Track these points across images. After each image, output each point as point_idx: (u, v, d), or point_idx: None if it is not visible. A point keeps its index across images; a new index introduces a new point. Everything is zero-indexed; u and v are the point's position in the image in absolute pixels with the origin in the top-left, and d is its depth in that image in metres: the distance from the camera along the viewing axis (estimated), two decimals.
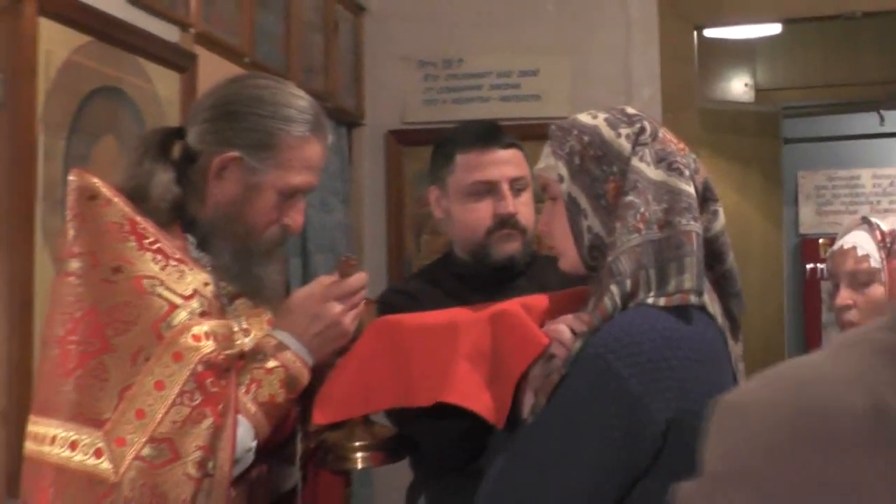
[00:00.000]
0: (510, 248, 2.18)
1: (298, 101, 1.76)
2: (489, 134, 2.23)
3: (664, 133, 1.65)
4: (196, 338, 1.57)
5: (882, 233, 2.18)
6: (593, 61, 4.13)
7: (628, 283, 1.55)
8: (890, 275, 2.13)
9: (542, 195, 1.73)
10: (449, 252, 2.29)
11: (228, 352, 1.61)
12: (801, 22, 4.51)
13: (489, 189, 2.18)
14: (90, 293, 1.57)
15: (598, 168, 1.61)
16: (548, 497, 1.49)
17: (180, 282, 1.60)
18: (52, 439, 1.54)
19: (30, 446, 1.59)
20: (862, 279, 2.17)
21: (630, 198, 1.58)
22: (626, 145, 1.61)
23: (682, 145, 1.67)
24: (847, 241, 2.22)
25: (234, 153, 1.70)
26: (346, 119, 4.17)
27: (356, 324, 1.74)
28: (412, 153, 4.20)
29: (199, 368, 1.55)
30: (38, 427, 1.57)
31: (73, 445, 1.52)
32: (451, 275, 2.24)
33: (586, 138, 1.63)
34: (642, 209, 1.57)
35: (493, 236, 2.18)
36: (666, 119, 4.00)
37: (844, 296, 2.21)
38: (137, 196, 1.67)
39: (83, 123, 2.38)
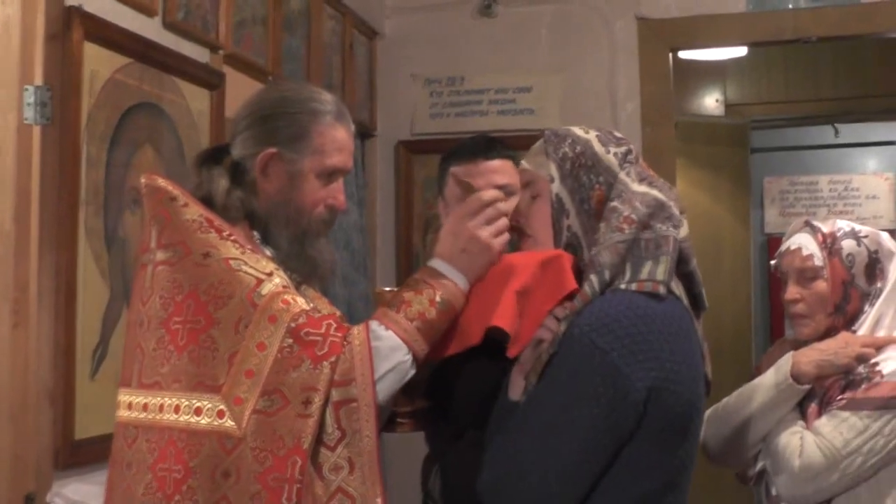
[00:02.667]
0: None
1: (320, 95, 1.77)
2: (478, 147, 2.22)
3: (642, 159, 1.69)
4: (285, 302, 1.56)
5: (823, 234, 2.20)
6: (581, 79, 4.13)
7: (607, 273, 1.56)
8: (831, 271, 2.16)
9: (521, 188, 1.72)
10: None
11: (325, 310, 1.61)
12: (765, 45, 4.51)
13: None
14: (187, 278, 1.58)
15: (587, 176, 1.62)
16: (546, 464, 1.50)
17: (259, 263, 1.60)
18: (176, 407, 1.55)
19: (136, 416, 1.60)
20: (808, 276, 2.18)
21: (615, 203, 1.59)
22: (614, 161, 1.63)
23: (651, 171, 1.69)
24: (793, 243, 2.24)
25: (273, 149, 1.70)
26: (361, 131, 4.17)
27: (500, 237, 1.66)
28: (420, 161, 4.21)
29: (293, 325, 1.53)
30: (152, 398, 1.58)
31: (198, 411, 1.53)
32: None
33: (579, 148, 1.64)
34: (626, 212, 1.57)
35: None
36: (646, 132, 4.03)
37: (792, 291, 2.21)
38: (205, 202, 1.69)
39: (123, 135, 2.38)
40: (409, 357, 1.59)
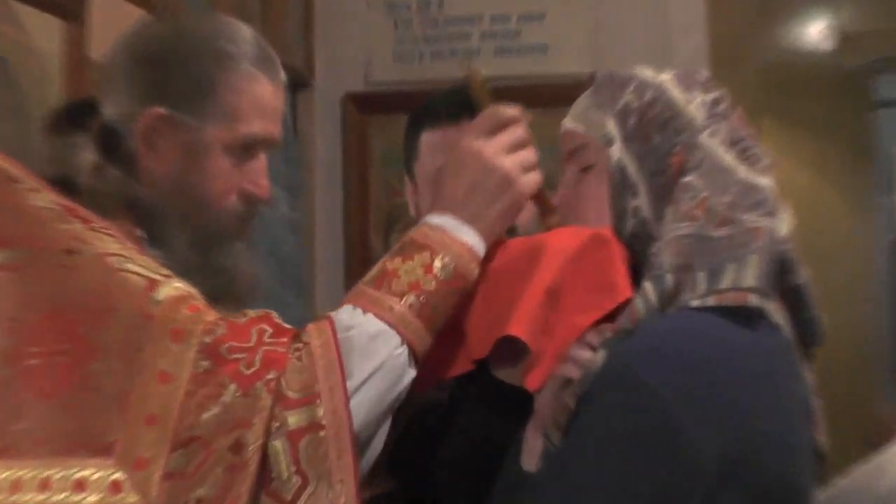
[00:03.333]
0: None
1: (232, 30, 1.79)
2: (462, 104, 2.12)
3: (738, 112, 1.71)
4: (193, 308, 1.56)
5: None
6: (619, 1, 4.18)
7: (669, 279, 1.57)
8: None
9: (565, 159, 1.76)
10: None
11: (251, 313, 1.61)
12: None
13: None
14: (44, 287, 1.56)
15: (662, 135, 1.66)
16: None
17: (152, 263, 1.60)
18: (43, 484, 1.50)
19: None
20: None
21: (690, 178, 1.63)
22: (698, 114, 1.66)
23: (752, 130, 1.71)
24: None
25: (161, 110, 1.72)
26: (292, 80, 3.99)
27: (531, 174, 1.68)
28: (380, 124, 4.25)
29: (207, 340, 1.53)
30: (4, 472, 1.52)
31: (79, 485, 1.50)
32: None
33: (649, 95, 1.68)
34: (703, 195, 1.61)
35: None
36: (716, 77, 4.01)
37: None
38: (63, 185, 1.67)
39: None
40: (402, 349, 1.60)
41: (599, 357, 1.55)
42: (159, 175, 1.75)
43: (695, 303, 1.55)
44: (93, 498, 1.49)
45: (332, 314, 1.60)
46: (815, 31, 6.04)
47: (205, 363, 1.52)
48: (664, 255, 1.58)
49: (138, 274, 1.56)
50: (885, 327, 6.14)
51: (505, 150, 1.67)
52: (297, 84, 4.25)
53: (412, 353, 1.61)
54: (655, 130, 1.66)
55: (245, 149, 1.76)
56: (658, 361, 1.50)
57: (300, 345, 1.56)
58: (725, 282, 1.56)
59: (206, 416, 1.50)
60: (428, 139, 2.24)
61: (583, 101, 1.74)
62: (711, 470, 1.49)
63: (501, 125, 1.68)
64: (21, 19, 2.64)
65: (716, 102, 1.68)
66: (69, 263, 1.56)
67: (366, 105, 4.30)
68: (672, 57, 4.08)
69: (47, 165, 1.73)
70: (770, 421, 1.54)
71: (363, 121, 4.30)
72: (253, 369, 1.53)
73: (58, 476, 1.50)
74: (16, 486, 1.51)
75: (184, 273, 1.68)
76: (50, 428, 1.52)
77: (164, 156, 1.74)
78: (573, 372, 1.57)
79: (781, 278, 1.63)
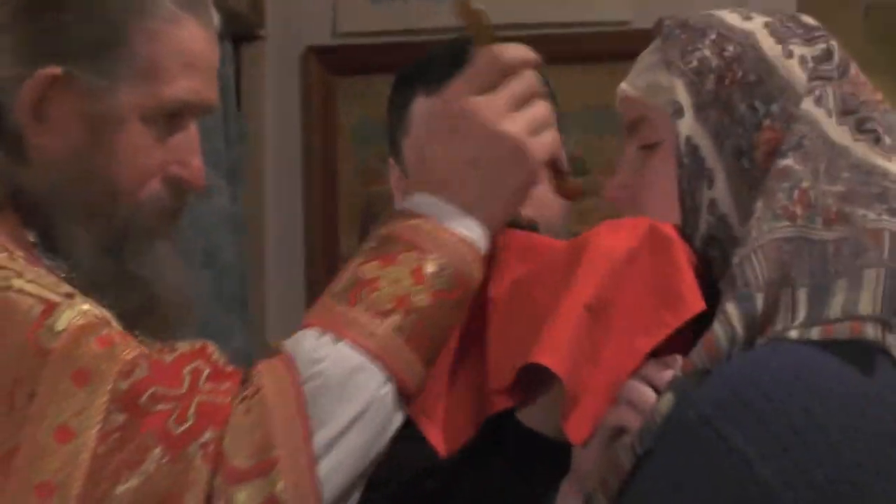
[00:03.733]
0: None
1: None
2: (469, 61, 2.21)
3: (857, 70, 1.69)
4: (104, 341, 1.56)
5: None
6: None
7: (760, 300, 1.56)
8: None
9: (627, 136, 1.75)
10: None
11: (167, 357, 1.59)
12: None
13: None
14: None
15: (748, 102, 1.65)
16: None
17: (47, 278, 1.63)
18: None
19: None
20: None
21: (788, 162, 1.61)
22: (799, 73, 1.64)
23: (879, 95, 1.69)
24: None
25: (53, 69, 1.70)
26: (232, 27, 4.17)
27: (544, 135, 1.65)
28: (351, 87, 4.35)
29: (123, 385, 1.53)
30: None
31: None
32: None
33: (732, 49, 1.66)
34: (805, 184, 1.59)
35: None
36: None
37: None
38: None
39: None
40: (388, 387, 1.57)
41: (665, 403, 1.54)
42: (54, 157, 1.74)
43: (793, 333, 1.53)
44: None
45: (291, 344, 1.58)
46: None
47: (119, 417, 1.51)
48: (753, 267, 1.56)
49: (30, 294, 1.57)
50: None
51: (510, 107, 1.63)
52: (242, 35, 4.39)
53: (401, 390, 1.58)
54: (741, 96, 1.64)
55: (170, 118, 1.74)
56: (745, 414, 1.49)
57: (249, 391, 1.54)
58: (834, 307, 1.53)
59: (119, 489, 1.49)
60: (422, 108, 2.30)
61: (646, 58, 1.72)
62: None
63: (503, 73, 1.64)
64: None
65: (824, 57, 1.65)
66: None
67: (333, 62, 4.40)
68: (749, 1, 4.05)
69: None
70: (892, 495, 1.52)
71: (330, 83, 4.39)
72: (184, 426, 1.51)
73: None
74: None
75: (91, 288, 1.68)
76: None
77: (59, 130, 1.73)
78: (629, 419, 1.58)
79: None
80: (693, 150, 1.64)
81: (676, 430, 1.52)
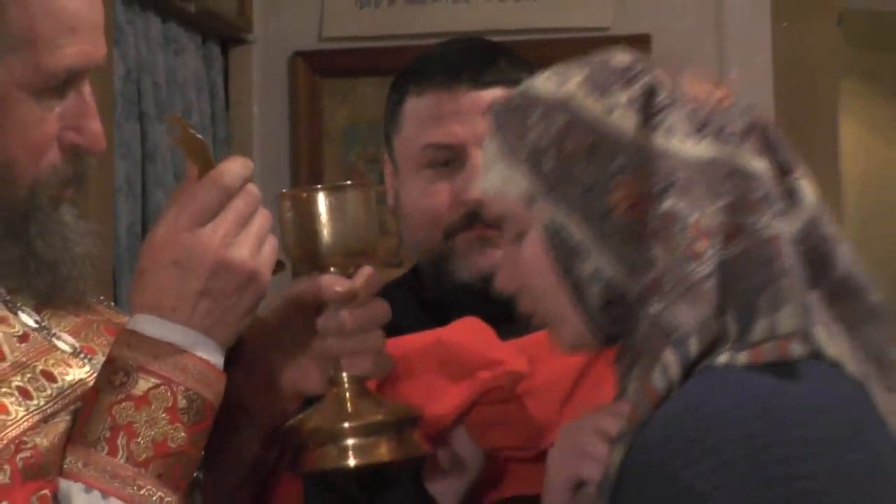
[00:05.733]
0: (484, 259, 2.13)
1: None
2: (461, 63, 2.19)
3: (689, 81, 1.67)
4: None
5: None
6: None
7: (694, 341, 1.53)
8: None
9: (501, 232, 1.75)
10: (416, 264, 2.31)
11: (42, 440, 1.53)
12: None
13: (452, 157, 2.15)
14: None
15: (591, 167, 1.62)
16: None
17: None
18: None
19: None
20: None
21: (668, 203, 1.58)
22: (630, 119, 1.61)
23: (723, 91, 1.65)
24: None
25: None
26: (219, 31, 4.24)
27: (269, 248, 1.62)
28: (338, 90, 4.29)
29: None
30: None
31: None
32: (416, 300, 2.27)
33: (558, 121, 1.63)
34: (694, 217, 1.56)
35: (457, 239, 2.15)
36: (778, 32, 4.15)
37: None
38: None
39: None
40: None
41: (617, 454, 1.54)
42: None
43: (721, 359, 1.53)
44: None
45: (63, 488, 1.53)
46: None
47: None
48: (681, 312, 1.55)
49: None
50: None
51: (234, 232, 1.59)
52: (230, 39, 4.36)
53: None
54: (583, 165, 1.61)
55: (59, 86, 1.64)
56: (690, 451, 1.48)
57: None
58: (758, 330, 1.53)
59: None
60: (413, 107, 2.20)
61: (489, 149, 1.70)
62: None
63: (225, 196, 1.59)
64: None
65: (650, 92, 1.62)
66: None
67: (320, 66, 4.35)
68: (727, 7, 4.24)
69: None
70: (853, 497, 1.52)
71: (316, 86, 4.34)
72: None
73: None
74: None
75: None
76: None
77: None
78: (588, 469, 1.59)
79: (818, 278, 1.61)
80: (556, 232, 1.62)
81: (632, 478, 1.52)
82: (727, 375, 1.52)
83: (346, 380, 1.74)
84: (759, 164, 1.59)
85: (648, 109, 1.62)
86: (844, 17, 4.36)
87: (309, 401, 1.79)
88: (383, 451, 1.74)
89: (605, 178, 1.59)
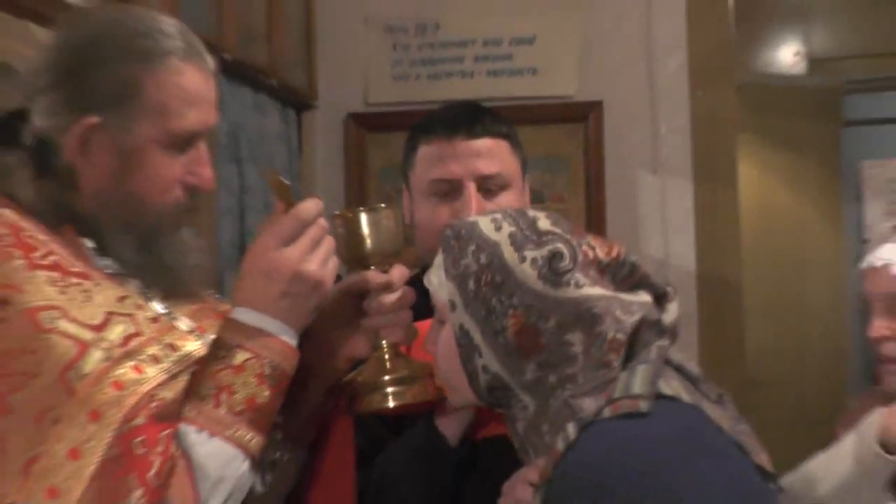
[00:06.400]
0: None
1: (153, 25, 1.72)
2: (458, 119, 2.24)
3: (588, 247, 1.65)
4: (118, 385, 1.51)
5: None
6: (605, 24, 4.19)
7: (572, 428, 1.55)
8: None
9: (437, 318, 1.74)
10: (425, 266, 2.27)
11: (168, 393, 1.56)
12: None
13: (451, 189, 2.21)
14: None
15: (497, 297, 1.62)
16: None
17: (87, 306, 1.56)
18: None
19: None
20: None
21: (573, 335, 1.60)
22: (531, 272, 1.62)
23: (616, 250, 1.68)
24: (879, 257, 2.22)
25: (91, 119, 1.66)
26: (294, 100, 4.20)
27: (331, 265, 1.68)
28: (379, 141, 4.27)
29: (126, 428, 1.49)
30: None
31: None
32: (425, 297, 2.23)
33: (483, 258, 1.64)
34: (610, 333, 1.59)
35: None
36: (695, 98, 4.15)
37: (880, 325, 2.22)
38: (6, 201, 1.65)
39: None
40: (246, 464, 1.61)
41: (540, 494, 1.53)
42: (99, 185, 1.69)
43: (604, 413, 1.54)
44: None
45: (182, 431, 1.57)
46: (789, 55, 6.14)
47: (116, 451, 1.48)
48: (587, 404, 1.56)
49: (68, 334, 1.51)
50: (855, 336, 5.99)
51: (308, 251, 1.64)
52: (302, 105, 4.28)
53: (252, 460, 1.61)
54: (491, 294, 1.62)
55: (183, 143, 1.70)
56: (584, 495, 1.47)
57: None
58: (616, 391, 1.55)
59: None
60: (423, 152, 2.24)
61: (437, 260, 1.70)
62: None
63: (303, 226, 1.65)
64: (41, 41, 2.51)
65: (552, 257, 1.63)
66: (1, 315, 1.52)
67: (365, 124, 4.31)
68: (656, 77, 4.18)
69: None
70: (713, 491, 1.50)
71: (363, 139, 4.31)
72: (160, 483, 1.50)
73: None
74: None
75: (134, 277, 1.71)
76: None
77: (101, 165, 1.68)
78: None
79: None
80: (465, 333, 1.63)
81: (560, 496, 1.50)
82: (602, 426, 1.53)
83: (385, 346, 1.80)
84: (644, 297, 1.64)
85: (550, 270, 1.61)
86: (741, 87, 4.38)
87: (356, 364, 1.83)
88: (411, 396, 1.79)
89: (503, 308, 1.60)
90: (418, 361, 1.82)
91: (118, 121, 1.66)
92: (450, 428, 1.94)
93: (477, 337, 1.63)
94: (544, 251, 1.62)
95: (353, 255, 1.77)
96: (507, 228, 1.65)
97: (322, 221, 1.67)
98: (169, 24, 1.74)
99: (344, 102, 4.32)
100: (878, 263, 2.22)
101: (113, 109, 1.66)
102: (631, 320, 1.60)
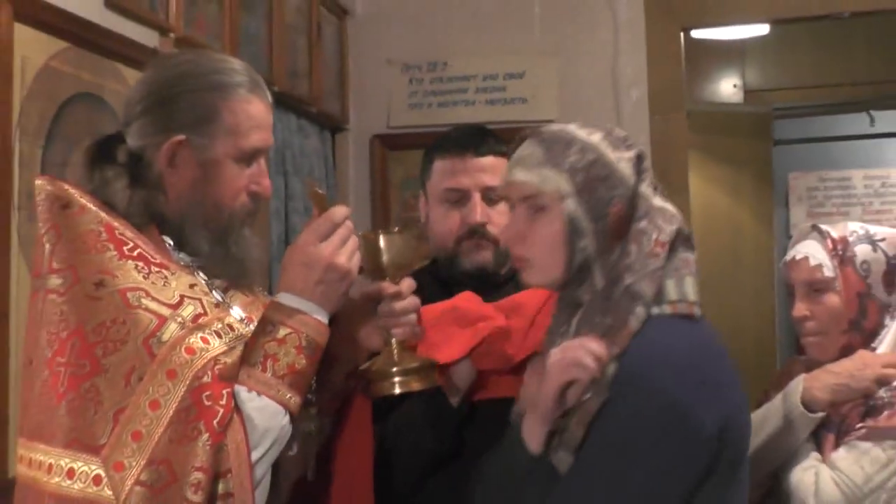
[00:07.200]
0: (480, 257, 2.18)
1: (226, 64, 1.75)
2: (468, 140, 2.23)
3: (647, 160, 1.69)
4: (189, 350, 1.53)
5: (833, 240, 2.16)
6: (580, 63, 4.18)
7: (649, 303, 1.58)
8: (844, 282, 2.12)
9: (518, 204, 1.69)
10: (434, 258, 2.31)
11: (227, 359, 1.57)
12: (790, 22, 4.54)
13: (461, 197, 2.20)
14: (75, 312, 1.54)
15: (604, 189, 1.61)
16: None
17: (165, 289, 1.57)
18: (49, 467, 1.50)
19: (24, 471, 1.56)
20: (817, 288, 2.16)
21: (643, 224, 1.61)
22: (628, 170, 1.63)
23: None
24: (799, 251, 2.21)
25: (179, 137, 1.68)
26: (330, 124, 4.22)
27: (355, 258, 1.67)
28: (398, 157, 4.26)
29: (195, 384, 1.51)
30: (33, 453, 1.54)
31: (69, 473, 1.48)
32: (436, 280, 2.24)
33: (590, 156, 1.62)
34: (655, 235, 1.60)
35: (463, 245, 2.19)
36: (654, 122, 4.12)
37: (800, 307, 2.20)
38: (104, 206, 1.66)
39: (61, 130, 2.38)
40: (287, 419, 1.60)
41: (611, 368, 1.54)
42: (182, 189, 1.70)
43: (654, 311, 1.58)
44: (77, 486, 1.48)
45: (235, 390, 1.56)
46: (729, 87, 6.17)
47: (188, 401, 1.50)
48: (645, 286, 1.58)
49: (151, 311, 1.54)
50: (783, 314, 6.09)
51: (338, 246, 1.63)
52: (336, 128, 4.28)
53: (292, 417, 1.60)
54: (598, 186, 1.61)
55: (248, 158, 1.72)
56: (662, 366, 1.52)
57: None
58: (671, 293, 1.59)
59: (181, 449, 1.48)
60: (439, 165, 2.23)
61: (528, 155, 1.66)
62: (714, 438, 1.52)
63: (335, 227, 1.64)
64: (125, 77, 2.65)
65: (639, 158, 1.65)
66: (96, 294, 1.54)
67: (387, 143, 4.29)
68: (621, 106, 4.15)
69: (91, 195, 1.68)
70: (737, 388, 1.59)
71: (385, 155, 4.29)
72: (221, 429, 1.51)
73: (57, 463, 1.50)
74: (39, 465, 1.52)
75: (209, 265, 1.72)
76: (58, 423, 1.51)
77: (184, 175, 1.70)
78: (579, 373, 1.55)
79: None
80: (574, 218, 1.61)
81: (623, 382, 1.53)
82: (663, 321, 1.56)
83: (394, 342, 1.78)
84: (675, 210, 1.65)
85: (638, 168, 1.63)
86: (691, 113, 4.33)
87: (372, 355, 1.81)
88: (414, 384, 1.77)
89: (608, 197, 1.61)
90: (422, 357, 1.81)
91: (200, 139, 1.68)
92: (452, 392, 1.95)
93: (584, 222, 1.61)
94: (632, 153, 1.64)
95: (372, 267, 1.76)
96: (597, 133, 1.65)
97: (349, 223, 1.67)
98: (237, 63, 1.76)
99: (370, 126, 4.31)
100: (798, 256, 2.21)
101: (196, 130, 1.68)
102: (670, 228, 1.61)
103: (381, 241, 1.75)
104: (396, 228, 1.79)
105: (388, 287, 1.75)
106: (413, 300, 1.78)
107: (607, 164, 1.62)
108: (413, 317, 1.78)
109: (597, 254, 1.61)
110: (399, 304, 1.76)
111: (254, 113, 1.72)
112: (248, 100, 1.71)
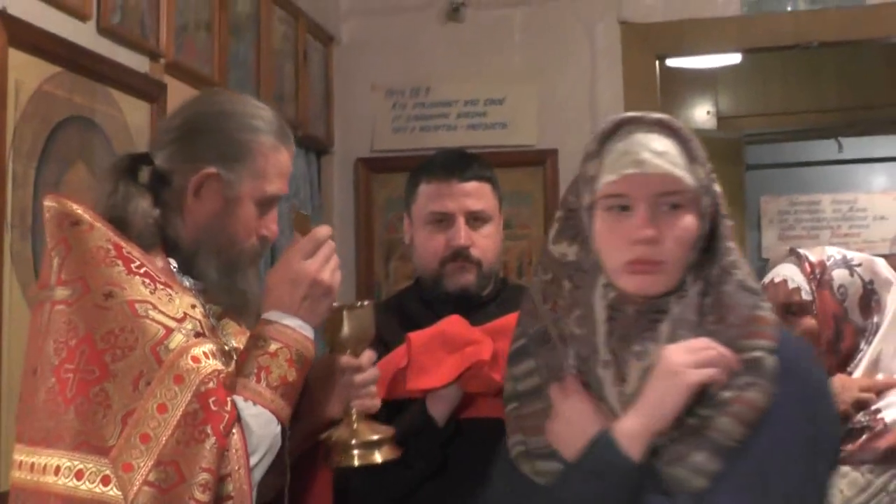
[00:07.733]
0: (463, 279, 2.19)
1: (262, 111, 1.77)
2: (452, 165, 2.23)
3: None
4: (195, 359, 1.55)
5: (811, 264, 2.14)
6: (559, 90, 4.18)
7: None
8: (821, 305, 2.13)
9: (658, 199, 1.55)
10: (418, 278, 2.31)
11: (229, 369, 1.60)
12: (761, 52, 4.55)
13: (445, 220, 2.20)
14: (84, 320, 1.56)
15: (715, 186, 1.62)
16: None
17: (170, 304, 1.59)
18: (57, 469, 1.51)
19: (24, 476, 1.56)
20: (794, 311, 2.12)
21: (728, 221, 1.63)
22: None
23: None
24: (777, 275, 2.18)
25: (211, 169, 1.70)
26: (316, 147, 4.21)
27: (338, 275, 1.69)
28: (381, 180, 4.25)
29: (202, 389, 1.53)
30: (37, 457, 1.54)
31: (78, 475, 1.50)
32: (420, 301, 2.25)
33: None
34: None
35: (447, 267, 2.19)
36: None
37: None
38: (118, 223, 1.66)
39: (53, 151, 2.39)
40: (279, 429, 1.61)
41: (771, 361, 1.53)
42: (201, 218, 1.72)
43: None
44: (85, 486, 1.50)
45: (236, 408, 1.58)
46: (702, 113, 6.22)
47: (195, 405, 1.52)
48: (753, 281, 1.63)
49: (157, 322, 1.56)
50: None
51: (322, 263, 1.67)
52: (321, 151, 4.27)
53: (282, 426, 1.62)
54: (713, 183, 1.61)
55: (267, 203, 1.74)
56: (807, 350, 1.63)
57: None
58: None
59: (188, 450, 1.51)
60: (424, 189, 2.23)
61: (670, 150, 1.56)
62: (838, 427, 1.61)
63: (319, 245, 1.68)
64: (116, 101, 2.66)
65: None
66: (105, 304, 1.56)
67: (371, 166, 4.29)
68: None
69: (110, 208, 1.70)
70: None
71: (369, 178, 4.29)
72: (226, 433, 1.54)
73: (66, 465, 1.52)
74: (43, 469, 1.53)
75: (211, 292, 1.73)
76: (67, 427, 1.52)
77: (208, 204, 1.71)
78: (718, 375, 1.50)
79: None
80: (703, 217, 1.58)
81: (789, 374, 1.52)
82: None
83: (353, 412, 1.77)
84: None
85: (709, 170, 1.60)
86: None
87: (333, 422, 1.79)
88: (374, 457, 1.76)
89: (715, 192, 1.60)
90: (382, 426, 1.80)
91: (228, 174, 1.70)
92: (438, 411, 1.97)
93: (702, 220, 1.58)
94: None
95: (334, 340, 1.77)
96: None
97: (331, 243, 1.70)
98: (266, 110, 1.79)
99: (354, 149, 4.30)
100: (777, 279, 2.19)
101: (226, 165, 1.70)
102: None
103: (344, 316, 1.76)
104: (362, 303, 1.80)
105: (347, 361, 1.77)
106: (373, 372, 1.79)
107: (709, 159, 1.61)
108: (373, 388, 1.79)
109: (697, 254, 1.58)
110: (359, 377, 1.77)
111: (280, 160, 1.75)
112: (276, 147, 1.74)
